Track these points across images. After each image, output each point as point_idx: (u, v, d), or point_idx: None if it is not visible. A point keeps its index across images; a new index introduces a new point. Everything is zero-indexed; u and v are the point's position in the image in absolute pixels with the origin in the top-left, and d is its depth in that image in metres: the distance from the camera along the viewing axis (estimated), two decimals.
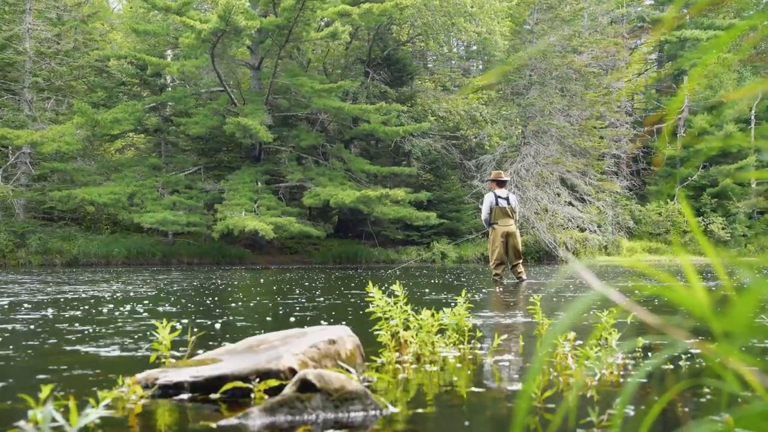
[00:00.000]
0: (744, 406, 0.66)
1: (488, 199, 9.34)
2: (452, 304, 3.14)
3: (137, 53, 21.51)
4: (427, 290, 7.30)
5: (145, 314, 4.68)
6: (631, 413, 1.80)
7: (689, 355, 2.73)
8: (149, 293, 7.00)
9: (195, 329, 3.52)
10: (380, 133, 22.90)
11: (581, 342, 2.70)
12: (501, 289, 7.97)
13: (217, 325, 3.98)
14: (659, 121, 32.30)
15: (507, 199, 9.24)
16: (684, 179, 33.35)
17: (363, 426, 1.71)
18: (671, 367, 2.54)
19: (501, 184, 9.40)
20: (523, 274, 9.34)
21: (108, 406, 1.86)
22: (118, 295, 6.73)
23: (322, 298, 6.24)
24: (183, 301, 5.95)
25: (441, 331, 3.04)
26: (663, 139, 33.81)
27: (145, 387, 2.04)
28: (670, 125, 33.17)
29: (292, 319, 4.39)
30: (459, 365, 2.59)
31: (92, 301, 5.94)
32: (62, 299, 6.11)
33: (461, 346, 2.97)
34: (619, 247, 28.06)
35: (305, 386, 1.77)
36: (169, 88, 24.43)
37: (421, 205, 23.05)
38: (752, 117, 32.79)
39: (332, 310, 4.97)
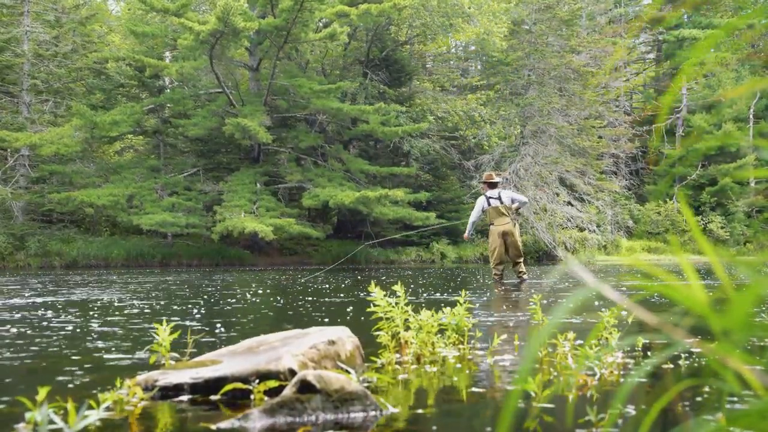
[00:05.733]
0: (743, 404, 0.66)
1: (479, 203, 9.41)
2: (452, 304, 3.14)
3: (136, 55, 21.48)
4: (427, 289, 7.31)
5: (145, 316, 4.67)
6: (632, 412, 1.80)
7: (689, 354, 2.73)
8: (149, 295, 6.99)
9: (194, 330, 3.52)
10: (379, 134, 22.90)
11: (581, 342, 2.70)
12: (501, 288, 7.97)
13: (217, 327, 3.98)
14: (653, 119, 32.34)
15: (499, 198, 9.21)
16: (682, 178, 33.38)
17: (363, 427, 1.71)
18: (671, 366, 2.54)
19: (491, 185, 9.41)
20: (524, 273, 9.31)
21: (108, 408, 1.86)
22: (117, 296, 6.73)
23: (321, 299, 6.24)
24: (182, 302, 5.95)
25: (441, 331, 3.04)
26: (657, 138, 33.84)
27: (145, 389, 2.04)
28: (664, 122, 33.19)
29: (292, 320, 4.39)
30: (459, 365, 2.59)
31: (91, 303, 5.93)
32: (61, 301, 6.10)
33: (461, 346, 2.97)
34: (619, 247, 28.08)
35: (305, 387, 1.77)
36: (168, 90, 24.41)
37: (420, 205, 23.05)
38: (751, 115, 32.82)
39: (332, 311, 4.97)
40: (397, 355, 2.72)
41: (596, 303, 5.13)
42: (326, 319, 4.38)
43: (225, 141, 23.43)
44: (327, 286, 8.71)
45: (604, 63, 28.32)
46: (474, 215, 9.50)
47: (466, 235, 9.89)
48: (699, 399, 1.97)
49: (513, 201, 9.27)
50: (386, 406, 1.84)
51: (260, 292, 7.62)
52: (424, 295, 6.67)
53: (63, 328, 3.95)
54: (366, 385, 2.18)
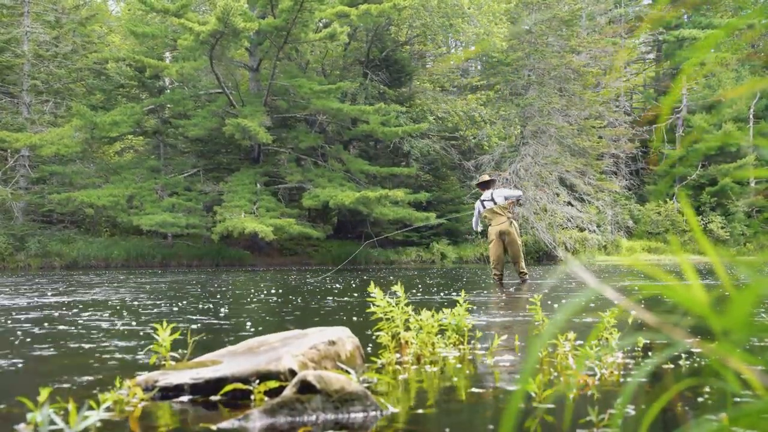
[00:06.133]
0: (744, 404, 0.66)
1: (476, 207, 9.45)
2: (452, 304, 3.14)
3: (136, 55, 21.48)
4: (439, 289, 7.31)
5: (145, 316, 4.67)
6: (632, 412, 1.80)
7: (689, 354, 2.73)
8: (166, 294, 6.99)
9: (195, 331, 3.52)
10: (379, 134, 22.89)
11: (581, 342, 2.70)
12: (501, 288, 7.97)
13: (217, 327, 3.98)
14: (655, 119, 32.36)
15: (492, 199, 9.20)
16: (682, 178, 33.38)
17: (363, 427, 1.71)
18: (671, 366, 2.54)
19: (483, 186, 9.42)
20: (525, 273, 9.27)
21: (108, 409, 1.86)
22: (117, 297, 6.73)
23: (341, 298, 6.24)
24: (183, 302, 5.95)
25: (441, 331, 3.04)
26: (658, 137, 33.85)
27: (146, 389, 2.04)
28: (665, 122, 33.20)
29: (318, 318, 4.39)
30: (459, 366, 2.59)
31: (91, 303, 5.93)
32: (61, 302, 6.10)
33: (461, 346, 2.97)
34: (619, 247, 28.07)
35: (305, 387, 1.77)
36: (168, 90, 24.41)
37: (420, 205, 23.04)
38: (751, 115, 32.82)
39: (332, 311, 4.97)
40: (398, 356, 2.72)
41: (615, 302, 5.13)
42: (354, 318, 4.41)
43: (225, 141, 23.43)
44: (338, 286, 8.77)
45: (606, 63, 28.32)
46: (474, 218, 9.56)
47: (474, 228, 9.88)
48: (700, 399, 1.97)
49: (506, 198, 9.19)
50: (386, 407, 1.84)
51: (273, 291, 7.68)
52: (442, 294, 6.74)
53: (62, 328, 3.95)
54: (366, 385, 2.18)
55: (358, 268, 18.52)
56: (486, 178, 9.48)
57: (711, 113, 32.80)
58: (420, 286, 8.39)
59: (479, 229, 9.75)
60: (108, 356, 2.88)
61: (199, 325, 4.12)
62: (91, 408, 1.72)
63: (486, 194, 9.25)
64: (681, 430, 1.63)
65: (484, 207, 9.23)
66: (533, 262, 23.79)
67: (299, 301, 6.15)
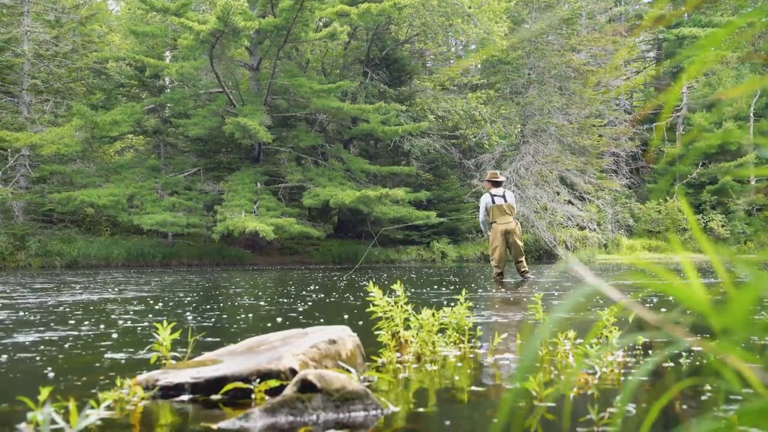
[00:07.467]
0: (744, 403, 0.66)
1: (484, 200, 9.42)
2: (453, 303, 3.14)
3: (136, 55, 21.46)
4: (457, 287, 7.31)
5: (146, 316, 4.68)
6: (632, 411, 1.80)
7: (689, 353, 2.73)
8: (150, 295, 7.00)
9: (195, 330, 3.52)
10: (379, 133, 22.88)
11: (582, 340, 2.70)
12: (502, 287, 7.97)
13: (218, 326, 3.98)
14: (654, 116, 32.33)
15: (503, 197, 9.24)
16: (683, 177, 33.37)
17: (364, 426, 1.71)
18: (671, 364, 2.53)
19: (496, 184, 9.43)
20: (527, 272, 9.31)
21: (109, 408, 1.86)
22: (118, 296, 6.73)
23: (321, 298, 6.25)
24: (183, 302, 5.95)
25: (441, 330, 3.04)
26: (658, 134, 33.84)
27: (146, 388, 2.04)
28: (666, 120, 33.20)
29: (292, 319, 4.40)
30: (459, 364, 2.59)
31: (92, 303, 5.94)
32: (62, 302, 6.11)
33: (462, 345, 2.97)
34: (619, 245, 28.07)
35: (306, 386, 1.77)
36: (168, 90, 24.39)
37: (420, 204, 23.03)
38: (751, 113, 32.81)
39: (332, 310, 4.98)
40: (398, 354, 2.72)
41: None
42: (327, 318, 4.41)
43: (225, 141, 23.42)
44: (364, 283, 8.86)
45: (606, 62, 28.32)
46: (482, 215, 9.49)
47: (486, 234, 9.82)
48: (700, 398, 1.97)
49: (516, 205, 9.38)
50: (387, 405, 1.85)
51: (311, 289, 7.85)
52: (479, 291, 6.93)
53: (62, 328, 3.95)
54: (367, 384, 2.18)
55: (361, 267, 18.51)
56: (502, 178, 9.56)
57: (711, 111, 32.78)
58: (445, 284, 8.40)
59: (488, 233, 9.71)
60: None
61: (286, 319, 4.32)
62: (91, 407, 1.72)
63: (498, 190, 9.31)
64: (682, 429, 1.63)
65: (494, 203, 9.24)
66: (533, 260, 23.79)
67: (352, 298, 6.26)
